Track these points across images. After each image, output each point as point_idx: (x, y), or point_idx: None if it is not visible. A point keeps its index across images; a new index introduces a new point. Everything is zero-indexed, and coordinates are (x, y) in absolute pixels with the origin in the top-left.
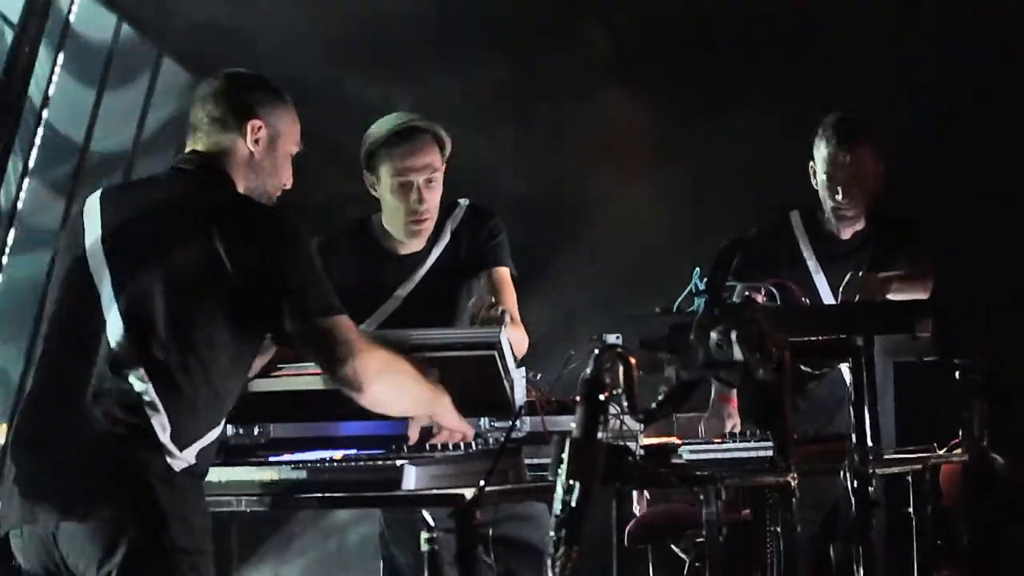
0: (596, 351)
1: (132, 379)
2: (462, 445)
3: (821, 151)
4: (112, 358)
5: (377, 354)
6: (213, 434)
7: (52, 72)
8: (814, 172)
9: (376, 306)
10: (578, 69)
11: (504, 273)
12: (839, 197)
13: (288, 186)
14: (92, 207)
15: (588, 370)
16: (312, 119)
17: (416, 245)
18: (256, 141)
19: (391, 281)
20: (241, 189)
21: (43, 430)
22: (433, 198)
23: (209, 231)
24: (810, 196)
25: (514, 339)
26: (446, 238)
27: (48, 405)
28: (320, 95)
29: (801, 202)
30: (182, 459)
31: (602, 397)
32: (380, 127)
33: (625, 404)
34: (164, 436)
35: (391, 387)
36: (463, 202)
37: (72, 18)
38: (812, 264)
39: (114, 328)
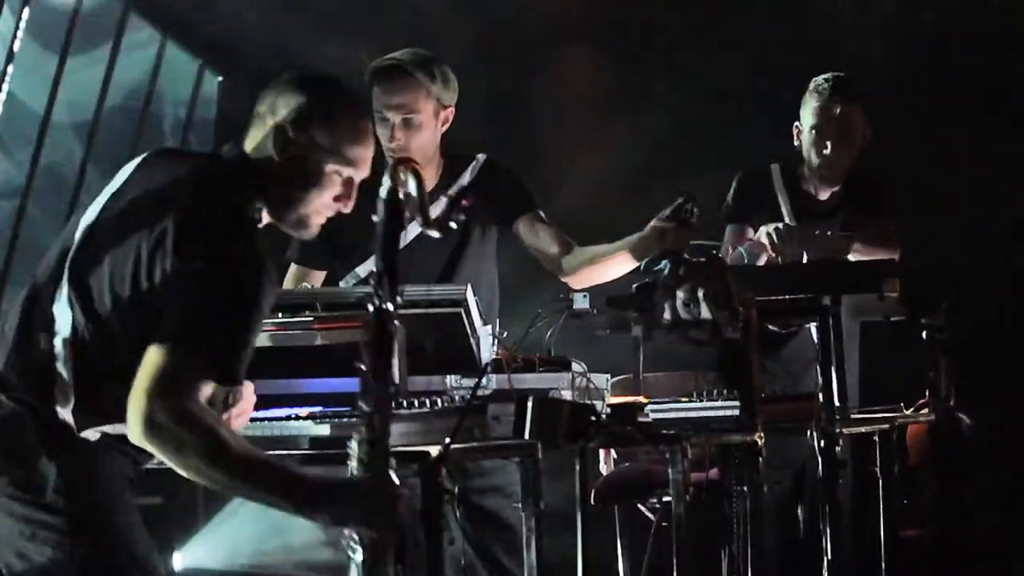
0: (389, 164)
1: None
2: (428, 402)
3: (812, 104)
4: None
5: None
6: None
7: (15, 35)
8: (798, 132)
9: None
10: (543, 21)
11: (541, 215)
12: (827, 152)
13: (347, 209)
14: (123, 173)
15: (384, 187)
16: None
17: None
18: (282, 147)
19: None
20: (268, 202)
21: None
22: (411, 139)
23: (165, 227)
24: (778, 148)
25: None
26: (460, 188)
27: None
28: (283, 51)
29: (769, 154)
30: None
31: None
32: (376, 61)
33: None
34: (65, 412)
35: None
36: (480, 156)
37: None
38: (788, 221)
39: (62, 297)
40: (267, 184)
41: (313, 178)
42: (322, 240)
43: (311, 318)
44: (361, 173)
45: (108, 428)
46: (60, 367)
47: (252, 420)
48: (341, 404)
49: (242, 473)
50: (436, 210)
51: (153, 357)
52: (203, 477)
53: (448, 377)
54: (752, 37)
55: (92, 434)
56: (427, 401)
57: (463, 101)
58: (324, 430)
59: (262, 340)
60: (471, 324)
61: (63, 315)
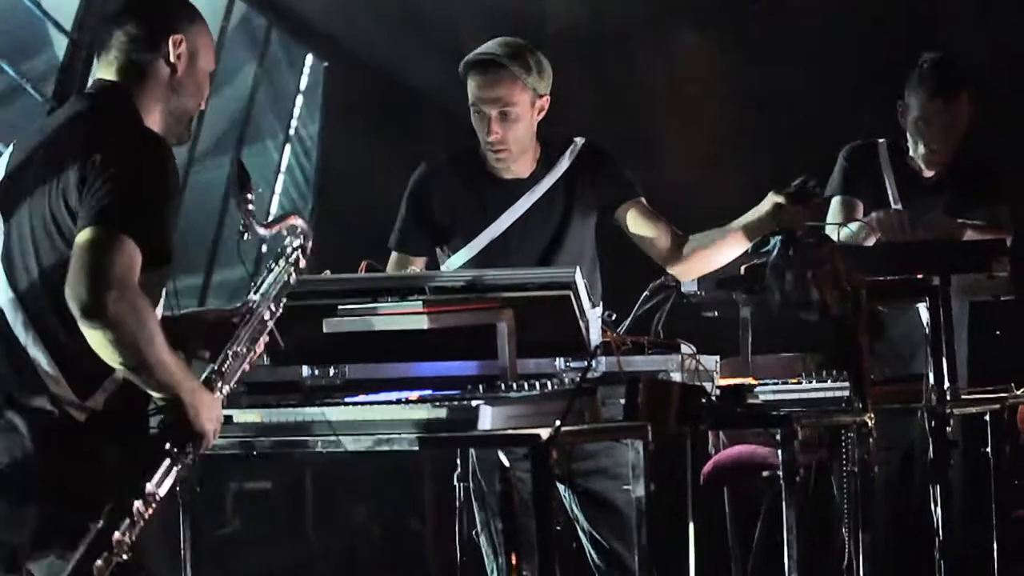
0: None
1: (17, 331)
2: (537, 385)
3: (917, 94)
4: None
5: (133, 298)
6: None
7: None
8: (903, 111)
9: (479, 229)
10: (649, 9)
11: (644, 202)
12: (932, 144)
13: (203, 107)
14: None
15: None
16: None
17: (521, 171)
18: (179, 57)
19: (495, 204)
20: (158, 113)
21: None
22: (509, 131)
23: (77, 163)
24: (888, 134)
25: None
26: (559, 172)
27: None
28: (385, 37)
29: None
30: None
31: None
32: (470, 55)
33: None
34: (57, 386)
35: (131, 324)
36: (579, 140)
37: None
38: (892, 197)
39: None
40: (161, 99)
41: (202, 79)
42: (420, 226)
43: (419, 302)
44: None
45: (108, 384)
46: (33, 352)
47: (361, 403)
48: (450, 387)
49: (161, 364)
50: (534, 196)
51: (83, 237)
52: (123, 355)
53: (557, 360)
54: (859, 18)
55: (98, 398)
56: (537, 384)
57: (571, 85)
58: (434, 413)
59: (375, 324)
60: (580, 307)
61: (11, 308)
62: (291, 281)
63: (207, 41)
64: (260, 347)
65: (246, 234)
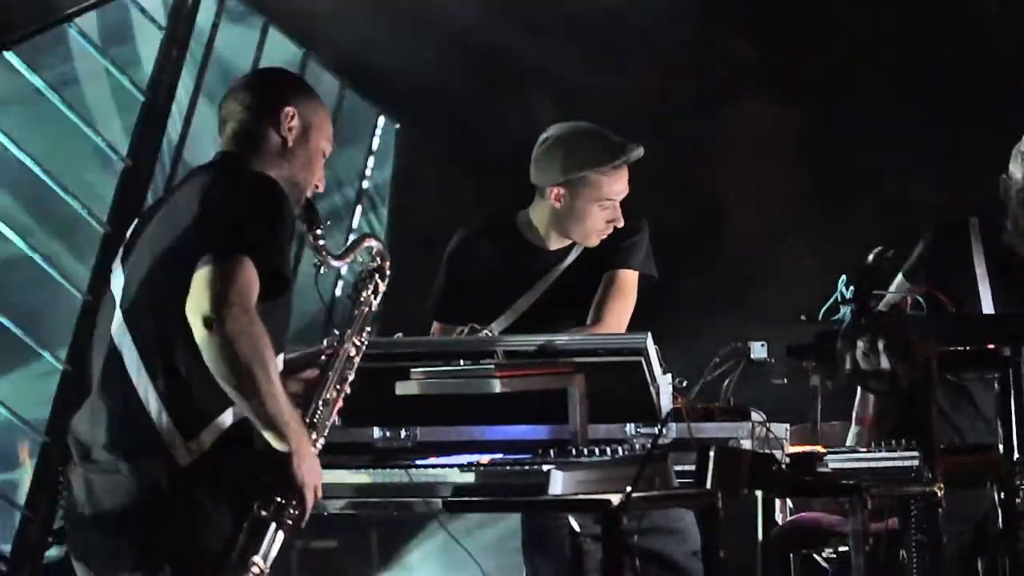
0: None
1: (131, 371)
2: (608, 451)
3: (1022, 172)
4: (113, 352)
5: (252, 317)
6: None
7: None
8: (1006, 186)
9: (515, 297)
10: (719, 78)
11: (625, 276)
12: None
13: (320, 188)
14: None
15: None
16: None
17: (562, 242)
18: (290, 129)
19: (531, 273)
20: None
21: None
22: None
23: (195, 207)
24: (958, 208)
25: None
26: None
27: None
28: (458, 99)
29: (949, 215)
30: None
31: None
32: (591, 151)
33: None
34: (162, 425)
35: (246, 342)
36: None
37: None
38: (980, 273)
39: (116, 319)
40: (273, 166)
41: (314, 155)
42: (459, 294)
43: (492, 365)
44: None
45: (215, 427)
46: (143, 390)
47: (431, 466)
48: (521, 451)
49: (273, 396)
50: (563, 265)
51: (206, 260)
52: (236, 375)
53: (628, 425)
54: (937, 82)
55: (204, 440)
56: (608, 449)
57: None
58: (504, 477)
59: (446, 388)
60: (651, 372)
61: (128, 348)
62: (373, 309)
63: (322, 121)
64: (348, 388)
65: (322, 268)
